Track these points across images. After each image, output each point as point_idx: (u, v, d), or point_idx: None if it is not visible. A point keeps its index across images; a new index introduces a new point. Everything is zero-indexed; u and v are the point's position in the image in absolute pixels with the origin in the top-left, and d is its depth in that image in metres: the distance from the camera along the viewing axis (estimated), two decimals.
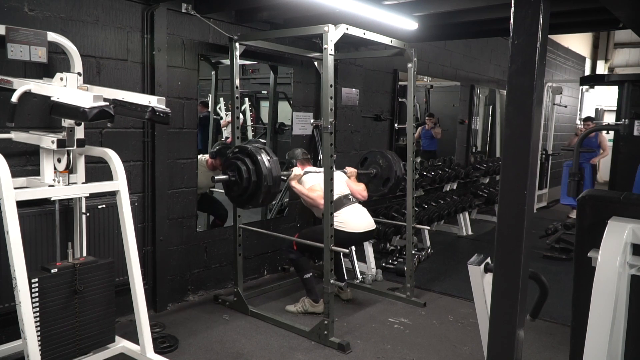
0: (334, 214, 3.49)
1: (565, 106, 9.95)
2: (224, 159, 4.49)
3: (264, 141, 5.65)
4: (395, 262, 4.87)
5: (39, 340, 2.39)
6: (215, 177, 3.41)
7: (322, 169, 3.69)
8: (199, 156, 4.10)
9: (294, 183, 3.79)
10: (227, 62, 3.82)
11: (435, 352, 3.33)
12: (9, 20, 2.73)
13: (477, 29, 4.64)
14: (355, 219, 3.80)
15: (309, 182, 3.82)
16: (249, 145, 3.43)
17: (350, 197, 3.92)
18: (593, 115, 11.39)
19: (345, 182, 4.01)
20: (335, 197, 3.51)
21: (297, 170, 3.84)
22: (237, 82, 3.68)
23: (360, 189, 4.10)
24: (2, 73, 2.70)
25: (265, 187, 3.24)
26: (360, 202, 3.99)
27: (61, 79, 2.59)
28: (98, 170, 3.20)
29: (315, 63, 4.65)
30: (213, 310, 3.84)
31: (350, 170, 4.19)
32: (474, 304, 1.95)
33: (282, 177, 3.48)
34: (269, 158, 3.28)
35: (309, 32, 3.31)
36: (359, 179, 4.22)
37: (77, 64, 2.79)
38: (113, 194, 2.78)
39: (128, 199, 2.74)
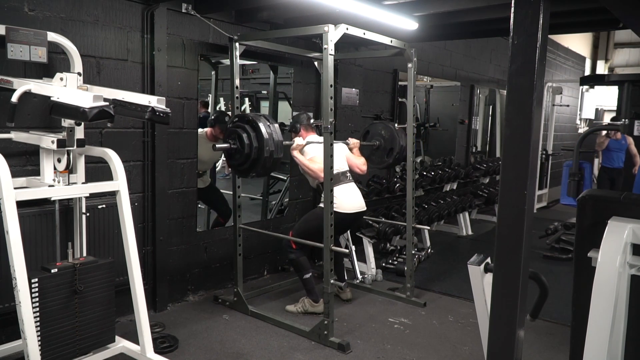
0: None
1: (568, 105, 9.93)
2: (222, 126, 4.46)
3: None
4: (395, 262, 4.87)
5: (39, 340, 2.39)
6: (217, 146, 3.33)
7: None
8: (199, 130, 4.07)
9: (295, 153, 3.72)
10: (227, 62, 3.82)
11: (435, 352, 3.33)
12: (9, 20, 2.73)
13: (477, 29, 4.64)
14: (348, 199, 3.78)
15: (310, 153, 3.77)
16: (249, 114, 3.37)
17: (348, 174, 3.90)
18: (593, 116, 11.38)
19: (345, 156, 3.97)
20: (334, 171, 3.49)
21: (299, 140, 3.76)
22: (237, 82, 3.68)
23: (360, 163, 4.06)
24: (2, 73, 2.70)
25: (267, 152, 3.20)
26: (354, 181, 3.97)
27: (61, 79, 2.59)
28: (98, 170, 3.20)
29: (315, 63, 4.65)
30: (213, 310, 3.84)
31: (353, 141, 4.13)
32: (474, 304, 1.95)
33: (284, 144, 3.43)
34: (269, 124, 3.25)
35: (309, 32, 3.31)
36: (362, 151, 4.19)
37: (77, 64, 2.79)
38: (113, 194, 2.78)
39: (128, 199, 2.74)
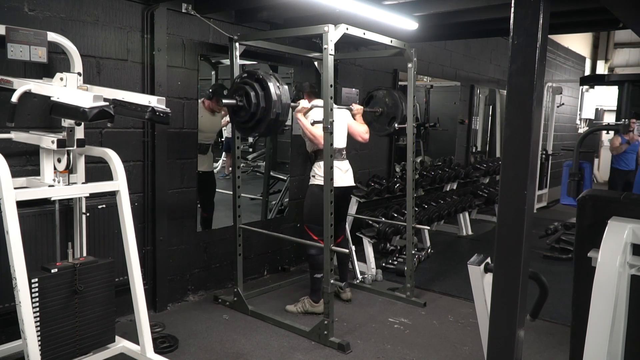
0: (322, 165, 3.48)
1: (563, 104, 9.92)
2: (220, 98, 4.47)
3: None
4: (395, 262, 4.87)
5: (39, 340, 2.39)
6: (223, 101, 3.28)
7: None
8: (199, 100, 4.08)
9: (299, 115, 3.68)
10: (227, 62, 3.82)
11: (435, 352, 3.33)
12: (9, 20, 2.73)
13: (477, 29, 4.64)
14: (340, 175, 3.82)
15: (314, 117, 3.70)
16: (258, 70, 3.31)
17: (344, 152, 3.92)
18: (593, 116, 11.36)
19: (347, 125, 3.96)
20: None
21: (304, 103, 3.70)
22: None
23: (362, 131, 4.04)
24: (2, 73, 2.70)
25: (273, 114, 3.14)
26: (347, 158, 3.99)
27: (61, 79, 2.59)
28: (98, 170, 3.21)
29: (315, 63, 4.65)
30: (213, 310, 3.84)
31: (357, 107, 4.09)
32: (474, 304, 1.95)
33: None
34: (278, 85, 3.18)
35: (309, 32, 3.31)
36: (364, 117, 4.15)
37: (77, 64, 2.79)
38: (113, 194, 2.78)
39: (128, 199, 2.74)
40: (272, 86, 3.14)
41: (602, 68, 13.22)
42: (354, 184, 4.07)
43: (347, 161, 3.96)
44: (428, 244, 5.68)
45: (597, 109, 11.47)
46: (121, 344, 2.89)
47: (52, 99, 2.36)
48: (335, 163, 3.73)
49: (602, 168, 12.52)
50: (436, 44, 6.43)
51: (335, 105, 3.75)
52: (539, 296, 2.02)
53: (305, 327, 3.47)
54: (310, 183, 3.87)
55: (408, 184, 4.17)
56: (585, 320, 1.70)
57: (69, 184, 2.69)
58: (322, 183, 3.55)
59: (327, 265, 3.29)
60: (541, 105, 1.99)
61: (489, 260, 1.88)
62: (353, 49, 5.04)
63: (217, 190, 5.06)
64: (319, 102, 3.79)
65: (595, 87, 10.27)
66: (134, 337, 2.87)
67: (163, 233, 3.72)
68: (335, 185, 3.66)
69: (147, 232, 3.66)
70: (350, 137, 4.05)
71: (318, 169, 3.75)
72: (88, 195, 2.75)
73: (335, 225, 3.72)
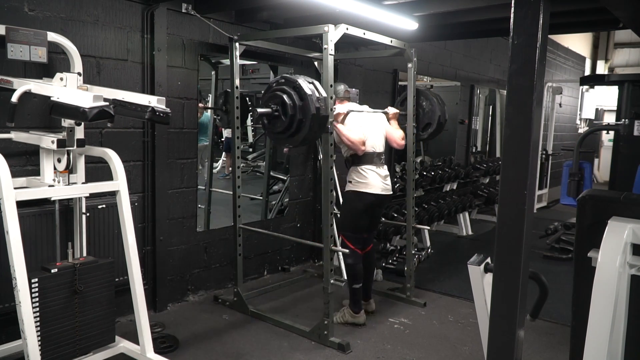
0: (361, 168, 3.51)
1: (560, 106, 9.93)
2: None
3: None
4: (395, 262, 4.86)
5: (39, 340, 2.39)
6: (258, 110, 3.08)
7: (364, 107, 3.62)
8: None
9: (335, 123, 3.42)
10: (227, 62, 3.82)
11: (435, 352, 3.33)
12: (9, 20, 2.73)
13: (477, 29, 4.64)
14: (379, 182, 3.60)
15: (348, 122, 3.55)
16: (298, 77, 3.13)
17: (382, 156, 3.68)
18: (593, 116, 11.34)
19: (384, 130, 3.75)
20: (369, 149, 3.51)
21: (340, 109, 3.49)
22: (237, 82, 3.68)
23: (398, 137, 3.78)
24: (2, 73, 2.70)
25: (310, 127, 2.99)
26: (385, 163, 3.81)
27: (61, 79, 2.59)
28: (98, 170, 3.20)
29: (315, 63, 4.65)
30: (213, 310, 3.84)
31: (393, 111, 3.86)
32: (474, 304, 1.95)
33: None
34: (318, 96, 2.99)
35: (309, 32, 3.31)
36: (398, 120, 3.94)
37: (77, 64, 2.80)
38: (113, 194, 2.78)
39: (128, 199, 2.75)
40: (311, 97, 2.96)
41: (602, 68, 13.21)
42: (391, 192, 3.74)
43: (385, 167, 3.73)
44: (428, 244, 5.67)
45: (597, 109, 11.46)
46: (121, 344, 2.89)
47: (52, 99, 2.36)
48: (374, 168, 3.62)
49: (602, 168, 12.51)
50: (436, 44, 6.42)
51: (370, 109, 3.77)
52: (539, 296, 2.02)
53: (305, 327, 3.47)
54: (346, 189, 3.67)
55: (408, 184, 4.16)
56: (585, 320, 1.70)
57: (69, 184, 2.69)
58: (357, 189, 3.55)
59: (327, 264, 3.28)
60: (541, 105, 1.99)
61: (489, 260, 1.88)
62: (353, 49, 5.04)
63: (217, 190, 5.07)
64: (354, 106, 3.68)
65: (595, 87, 10.25)
66: (134, 337, 2.87)
67: (163, 233, 3.72)
68: (374, 192, 3.59)
69: (147, 232, 3.66)
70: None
71: (355, 174, 3.58)
72: (88, 195, 2.76)
73: (367, 233, 3.71)
